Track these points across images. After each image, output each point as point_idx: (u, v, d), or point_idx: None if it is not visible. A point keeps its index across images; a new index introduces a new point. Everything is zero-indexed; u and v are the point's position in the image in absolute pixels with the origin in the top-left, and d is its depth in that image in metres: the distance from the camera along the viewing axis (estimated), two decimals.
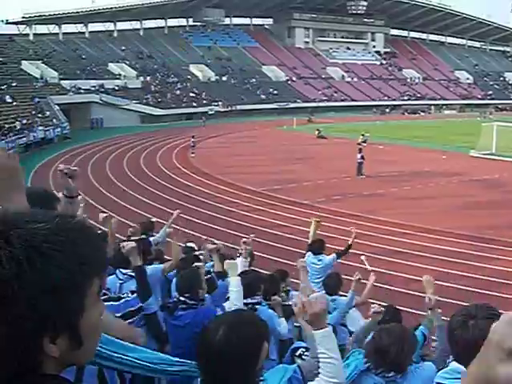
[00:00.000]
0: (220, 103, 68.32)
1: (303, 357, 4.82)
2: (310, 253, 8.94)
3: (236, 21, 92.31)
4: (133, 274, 5.18)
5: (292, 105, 73.42)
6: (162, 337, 4.72)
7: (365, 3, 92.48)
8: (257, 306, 4.63)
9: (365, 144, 34.49)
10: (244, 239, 6.18)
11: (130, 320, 4.16)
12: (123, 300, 4.35)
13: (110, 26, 79.26)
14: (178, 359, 2.38)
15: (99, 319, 1.14)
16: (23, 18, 68.74)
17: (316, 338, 2.36)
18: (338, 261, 9.10)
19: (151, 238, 7.47)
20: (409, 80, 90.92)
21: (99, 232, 7.23)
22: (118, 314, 3.96)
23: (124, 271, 5.23)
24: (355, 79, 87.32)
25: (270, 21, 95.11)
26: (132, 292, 4.53)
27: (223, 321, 2.12)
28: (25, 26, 69.95)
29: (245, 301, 4.66)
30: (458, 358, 2.39)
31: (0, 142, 33.88)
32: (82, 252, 1.04)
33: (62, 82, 57.58)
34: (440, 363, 3.59)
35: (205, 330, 2.10)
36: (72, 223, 1.08)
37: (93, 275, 1.07)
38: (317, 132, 46.32)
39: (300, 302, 2.38)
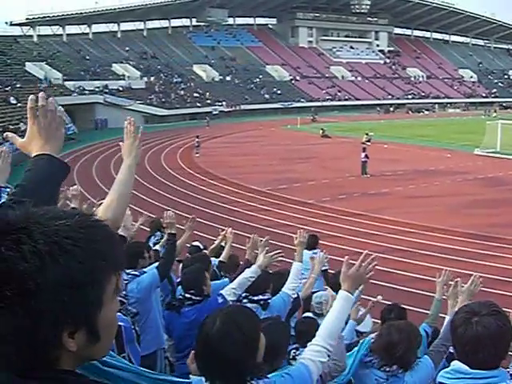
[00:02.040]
0: (224, 103, 68.28)
1: (296, 357, 4.89)
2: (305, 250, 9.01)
3: (239, 21, 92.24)
4: (137, 273, 5.21)
5: (296, 104, 73.38)
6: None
7: (368, 2, 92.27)
8: (269, 301, 4.70)
9: (369, 143, 34.45)
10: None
11: None
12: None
13: (113, 27, 79.31)
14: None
15: (115, 315, 1.18)
16: (27, 19, 68.87)
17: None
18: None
19: (157, 246, 7.45)
20: (413, 79, 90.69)
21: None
22: None
23: (128, 271, 5.14)
24: (359, 78, 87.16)
25: (273, 20, 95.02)
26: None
27: (218, 314, 2.16)
28: (29, 27, 70.11)
29: (256, 298, 4.71)
30: (462, 356, 2.38)
31: (4, 143, 34.01)
32: (101, 249, 1.08)
33: (66, 83, 57.67)
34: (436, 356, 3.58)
35: (202, 326, 2.14)
36: (91, 221, 1.13)
37: (111, 272, 1.11)
38: (321, 131, 46.25)
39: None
